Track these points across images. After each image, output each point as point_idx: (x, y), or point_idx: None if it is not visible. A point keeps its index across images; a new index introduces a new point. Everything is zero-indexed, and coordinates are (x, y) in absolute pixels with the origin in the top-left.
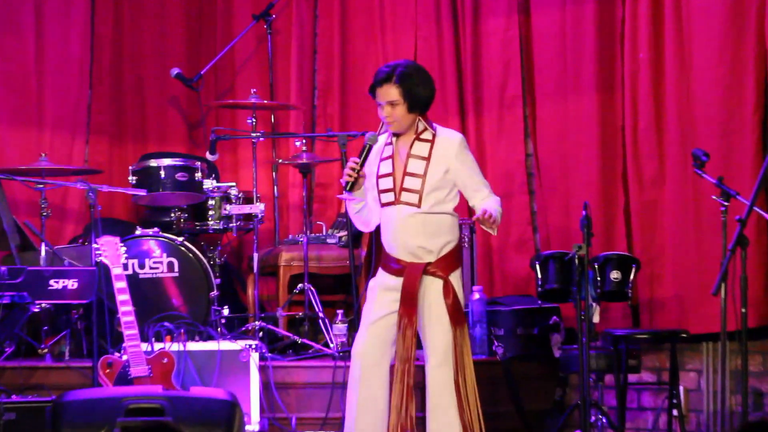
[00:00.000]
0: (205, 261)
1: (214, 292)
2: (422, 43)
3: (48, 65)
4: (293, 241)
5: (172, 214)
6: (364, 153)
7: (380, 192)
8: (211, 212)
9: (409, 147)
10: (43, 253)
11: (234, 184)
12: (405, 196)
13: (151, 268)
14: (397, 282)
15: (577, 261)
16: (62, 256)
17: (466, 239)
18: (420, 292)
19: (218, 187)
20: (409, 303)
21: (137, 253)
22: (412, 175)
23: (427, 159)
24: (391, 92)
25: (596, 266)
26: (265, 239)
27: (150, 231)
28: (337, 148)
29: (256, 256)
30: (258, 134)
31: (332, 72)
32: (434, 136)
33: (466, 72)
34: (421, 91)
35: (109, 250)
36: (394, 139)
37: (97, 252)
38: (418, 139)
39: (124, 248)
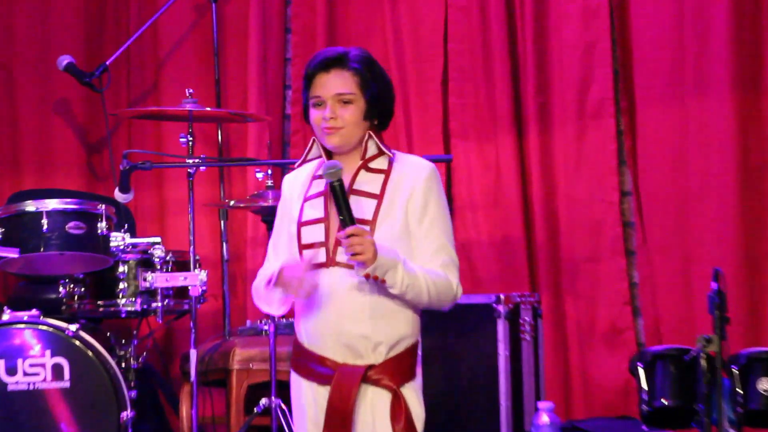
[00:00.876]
0: (112, 363)
1: (128, 413)
2: (456, 15)
3: None
4: (254, 330)
5: (61, 289)
6: (341, 197)
7: (302, 247)
8: (122, 285)
9: (351, 178)
10: None
11: (159, 239)
12: (342, 255)
13: (26, 374)
14: (320, 395)
15: (704, 363)
16: None
17: (528, 326)
18: (356, 412)
19: (134, 245)
20: (338, 429)
21: (5, 349)
22: (358, 222)
23: (379, 198)
24: (344, 80)
25: (736, 371)
26: (209, 328)
27: (24, 315)
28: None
29: (194, 354)
30: (197, 160)
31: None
32: (390, 163)
33: (525, 62)
34: (383, 90)
35: None
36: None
37: None
38: (365, 167)
39: None
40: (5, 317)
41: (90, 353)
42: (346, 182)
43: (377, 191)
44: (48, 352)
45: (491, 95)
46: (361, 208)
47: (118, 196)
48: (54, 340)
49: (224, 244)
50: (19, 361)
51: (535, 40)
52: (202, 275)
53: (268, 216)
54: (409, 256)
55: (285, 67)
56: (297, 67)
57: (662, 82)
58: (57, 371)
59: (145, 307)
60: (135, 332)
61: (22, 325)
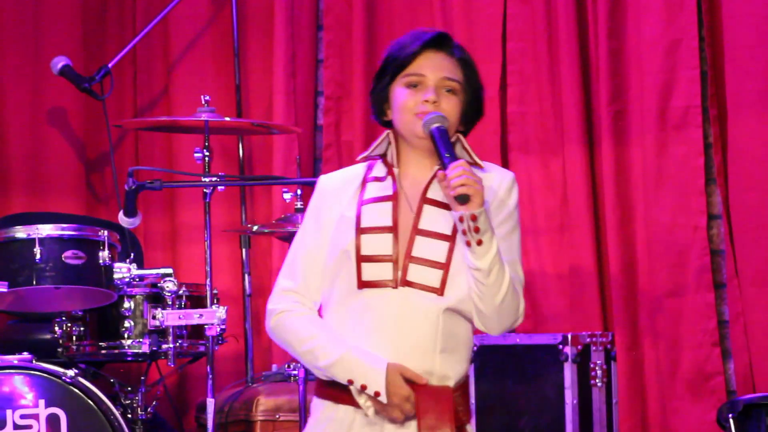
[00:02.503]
0: (117, 414)
1: None
2: (517, 9)
3: None
4: (280, 376)
5: (57, 328)
6: (447, 143)
7: (361, 260)
8: (127, 323)
9: (424, 186)
10: None
11: (170, 271)
12: (416, 274)
13: (17, 427)
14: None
15: None
16: None
17: (599, 371)
18: None
19: (141, 278)
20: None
21: None
22: (429, 235)
23: None
24: (453, 65)
25: None
26: (229, 373)
27: (15, 358)
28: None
29: (211, 403)
30: (214, 179)
31: (350, 61)
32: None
33: (597, 64)
34: (481, 92)
35: None
36: (395, 169)
37: None
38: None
39: None
40: None
41: (90, 403)
42: (418, 189)
43: None
44: (42, 402)
45: (557, 102)
46: (436, 219)
47: (123, 220)
48: (49, 387)
49: (246, 276)
50: (9, 413)
51: (610, 37)
52: (220, 312)
53: None
54: None
55: (316, 69)
56: (330, 70)
57: (759, 86)
58: (53, 424)
59: (154, 349)
60: (143, 378)
61: (12, 371)
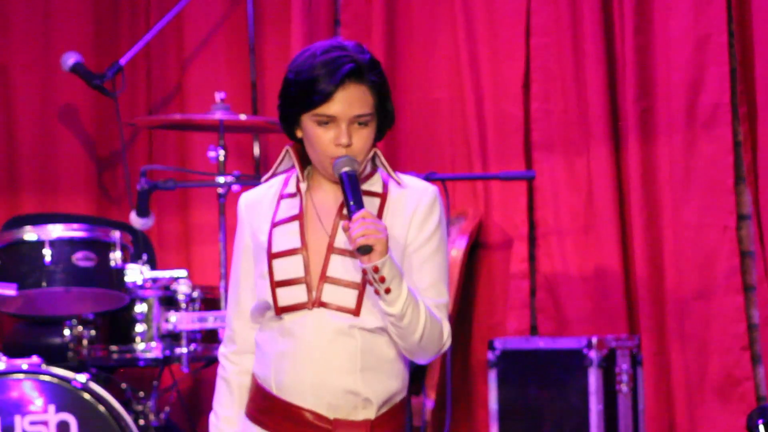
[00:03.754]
0: (129, 420)
1: None
2: (541, 4)
3: None
4: None
5: (67, 332)
6: (352, 186)
7: (275, 285)
8: (140, 327)
9: (340, 203)
10: None
11: (184, 273)
12: (330, 294)
13: None
14: None
15: None
16: None
17: (625, 376)
18: None
19: (154, 280)
20: None
21: (0, 404)
22: (344, 253)
23: None
24: (363, 97)
25: None
26: None
27: (23, 363)
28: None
29: None
30: (229, 178)
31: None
32: (385, 185)
33: (623, 60)
34: (390, 99)
35: None
36: (302, 185)
37: None
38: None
39: None
40: (0, 366)
41: (101, 408)
42: (331, 206)
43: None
44: (52, 408)
45: (582, 99)
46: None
47: (135, 221)
48: (59, 393)
49: None
50: (18, 419)
51: (636, 33)
52: None
53: None
54: None
55: None
56: None
57: None
58: (63, 430)
59: (167, 353)
60: (155, 383)
61: (21, 375)
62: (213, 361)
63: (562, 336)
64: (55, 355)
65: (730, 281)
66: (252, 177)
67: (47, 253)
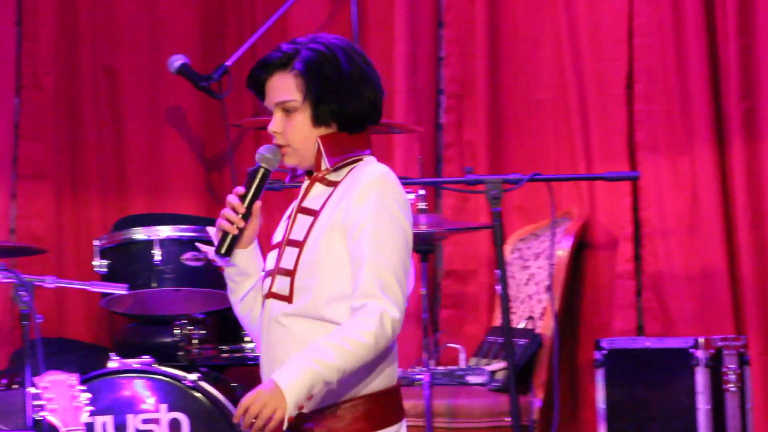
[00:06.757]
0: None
1: None
2: (644, 5)
3: None
4: (405, 379)
5: (178, 331)
6: (255, 182)
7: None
8: None
9: (302, 194)
10: None
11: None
12: (277, 284)
13: (138, 431)
14: None
15: None
16: None
17: (733, 375)
18: None
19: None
20: None
21: (113, 403)
22: (290, 243)
23: (315, 214)
24: (285, 85)
25: None
26: None
27: (135, 362)
28: (485, 204)
29: None
30: None
31: (472, 59)
32: (348, 176)
33: (727, 59)
34: (336, 84)
35: (59, 399)
36: (306, 180)
37: (36, 402)
38: (322, 179)
39: (88, 395)
40: (112, 365)
41: (213, 407)
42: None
43: (318, 206)
44: (164, 407)
45: (686, 100)
46: (299, 228)
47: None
48: (170, 391)
49: None
50: (130, 417)
51: (740, 32)
52: None
53: (422, 245)
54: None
55: (438, 67)
56: (451, 68)
57: None
58: (174, 428)
59: None
60: None
61: (133, 374)
62: None
63: (669, 336)
64: (165, 355)
65: None
66: None
67: (157, 252)
